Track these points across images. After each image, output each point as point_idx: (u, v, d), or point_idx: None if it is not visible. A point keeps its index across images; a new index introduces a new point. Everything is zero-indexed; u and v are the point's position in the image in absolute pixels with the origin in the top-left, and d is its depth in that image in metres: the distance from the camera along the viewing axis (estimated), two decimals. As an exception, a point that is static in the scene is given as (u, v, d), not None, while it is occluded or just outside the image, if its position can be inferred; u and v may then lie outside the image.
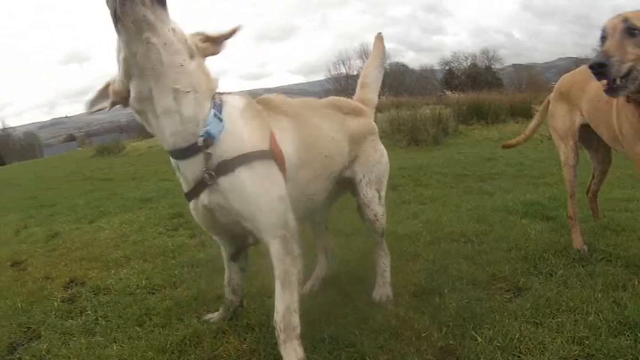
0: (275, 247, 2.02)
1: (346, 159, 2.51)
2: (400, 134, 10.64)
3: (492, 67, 49.68)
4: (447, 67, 51.19)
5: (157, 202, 6.81)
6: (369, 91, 2.83)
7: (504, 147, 3.64)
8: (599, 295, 2.39)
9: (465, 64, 50.24)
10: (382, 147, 2.76)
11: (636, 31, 2.04)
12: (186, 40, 1.88)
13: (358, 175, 2.60)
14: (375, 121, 2.83)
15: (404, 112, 12.26)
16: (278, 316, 2.03)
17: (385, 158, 2.74)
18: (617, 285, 2.53)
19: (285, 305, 2.02)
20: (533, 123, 3.57)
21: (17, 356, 2.67)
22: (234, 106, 2.02)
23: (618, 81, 2.06)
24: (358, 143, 2.58)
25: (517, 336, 2.11)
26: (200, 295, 3.02)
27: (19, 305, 3.43)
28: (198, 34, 1.99)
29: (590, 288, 2.50)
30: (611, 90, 2.11)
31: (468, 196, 4.87)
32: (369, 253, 3.01)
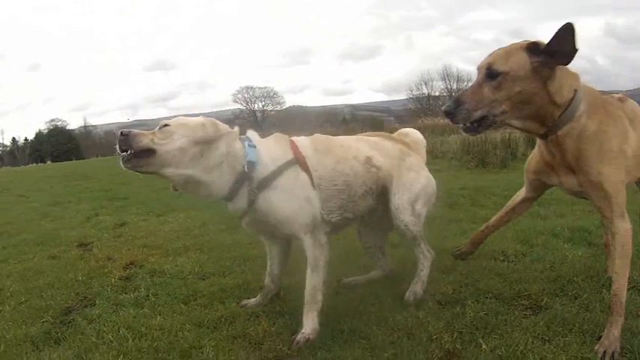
0: (306, 240, 2.74)
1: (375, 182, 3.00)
2: (469, 156, 11.33)
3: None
4: None
5: (223, 204, 7.51)
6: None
7: None
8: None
9: None
10: (424, 171, 3.24)
11: (497, 75, 2.20)
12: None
13: (392, 189, 3.07)
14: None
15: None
16: (306, 292, 2.72)
17: (424, 181, 3.17)
18: (638, 314, 2.67)
19: (312, 284, 2.73)
20: None
21: (71, 318, 3.24)
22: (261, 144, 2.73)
23: (468, 124, 2.26)
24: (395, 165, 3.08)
25: (521, 348, 2.34)
26: (244, 285, 3.51)
27: (80, 278, 4.09)
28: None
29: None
30: (466, 130, 2.32)
31: (521, 218, 5.02)
32: (408, 262, 3.50)
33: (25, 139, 67.03)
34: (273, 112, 66.65)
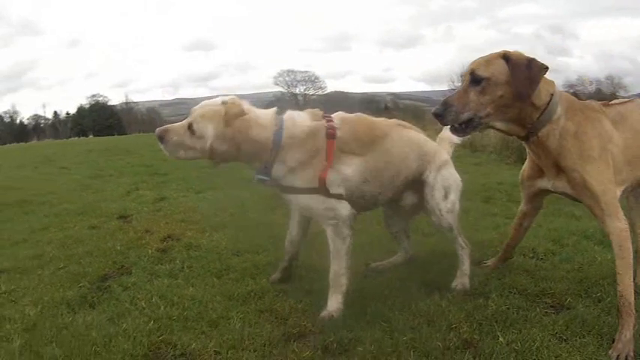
0: (329, 232, 2.95)
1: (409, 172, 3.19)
2: (508, 151, 11.19)
3: (617, 94, 46.80)
4: (572, 90, 53.29)
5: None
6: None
7: None
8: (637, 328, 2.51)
9: (589, 88, 52.15)
10: (453, 170, 3.36)
11: (480, 80, 2.44)
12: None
13: (426, 180, 3.24)
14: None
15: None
16: (330, 277, 2.95)
17: (455, 178, 3.33)
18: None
19: (335, 270, 2.94)
20: None
21: (107, 284, 3.48)
22: (291, 135, 2.87)
23: (457, 126, 2.51)
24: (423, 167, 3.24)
25: (537, 345, 2.44)
26: (275, 263, 3.63)
27: (118, 248, 4.34)
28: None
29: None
30: (454, 131, 2.56)
31: (554, 217, 5.15)
32: (438, 252, 3.75)
33: (67, 113, 69.55)
34: (314, 97, 66.75)
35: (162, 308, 2.99)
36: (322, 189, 2.86)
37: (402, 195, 3.34)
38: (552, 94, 2.57)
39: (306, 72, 68.89)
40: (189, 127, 2.79)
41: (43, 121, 70.80)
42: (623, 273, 2.51)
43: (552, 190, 2.81)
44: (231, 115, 2.78)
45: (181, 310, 2.97)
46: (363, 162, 3.00)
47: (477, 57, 2.57)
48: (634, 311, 2.48)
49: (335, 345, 2.54)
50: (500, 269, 3.53)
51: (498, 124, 2.59)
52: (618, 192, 2.69)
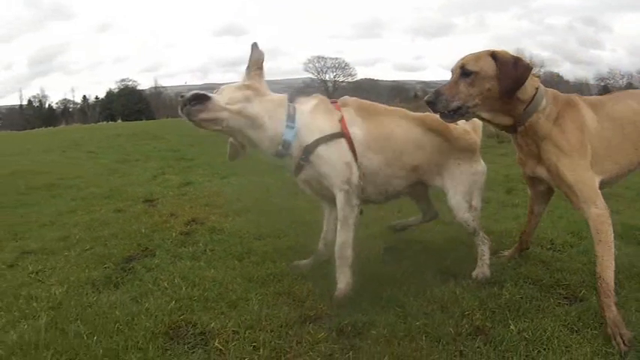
0: (339, 198, 3.07)
1: (423, 161, 3.30)
2: None
3: (649, 88, 46.05)
4: (603, 84, 53.88)
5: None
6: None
7: None
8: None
9: (620, 82, 53.05)
10: (478, 165, 3.42)
11: (470, 73, 2.71)
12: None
13: (445, 186, 3.35)
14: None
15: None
16: (337, 248, 3.09)
17: (479, 175, 3.40)
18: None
19: (342, 240, 3.07)
20: None
21: (131, 265, 3.63)
22: (303, 111, 3.13)
23: (446, 113, 2.76)
24: (443, 157, 3.33)
25: (548, 334, 2.51)
26: (296, 247, 3.80)
27: (143, 231, 4.49)
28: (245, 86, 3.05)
29: (642, 313, 2.74)
30: (443, 117, 2.82)
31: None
32: (456, 240, 3.87)
33: (96, 98, 70.57)
34: (344, 84, 66.47)
35: (183, 289, 3.11)
36: (347, 135, 3.09)
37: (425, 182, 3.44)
38: (537, 88, 2.83)
39: (336, 59, 68.40)
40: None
41: (71, 106, 71.88)
42: (601, 255, 2.69)
43: (536, 176, 3.01)
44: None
45: (202, 291, 3.09)
46: (367, 130, 3.19)
47: (468, 54, 2.83)
48: (613, 293, 2.63)
49: (349, 328, 2.64)
50: (516, 259, 3.59)
51: (485, 114, 2.85)
52: (597, 180, 2.87)
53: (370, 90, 56.95)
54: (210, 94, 2.91)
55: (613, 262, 2.69)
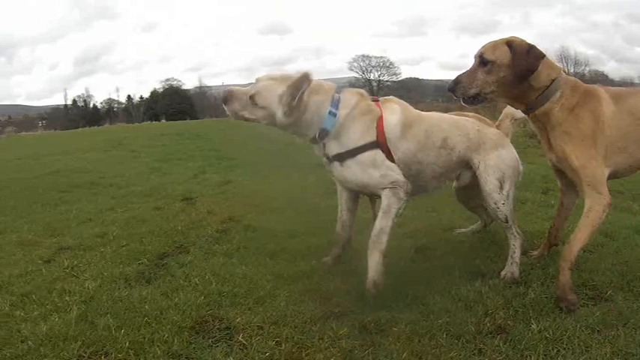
0: (385, 193, 3.15)
1: (456, 145, 3.39)
2: None
3: (697, 87, 43.64)
4: None
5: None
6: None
7: None
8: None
9: None
10: (507, 151, 3.52)
11: (487, 62, 2.95)
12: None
13: (480, 166, 3.41)
14: None
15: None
16: (373, 232, 3.11)
17: (510, 160, 3.48)
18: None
19: (380, 226, 3.11)
20: None
21: (165, 262, 3.75)
22: (347, 106, 3.19)
23: (466, 99, 3.02)
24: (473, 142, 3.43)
25: (568, 334, 2.54)
26: (329, 244, 3.83)
27: (179, 228, 4.63)
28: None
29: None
30: (464, 102, 3.07)
31: (611, 211, 5.00)
32: (487, 240, 3.95)
33: (141, 97, 72.09)
34: (389, 83, 66.62)
35: (213, 285, 3.21)
36: (382, 141, 3.17)
37: (459, 175, 3.54)
38: (554, 79, 3.03)
39: (381, 57, 68.41)
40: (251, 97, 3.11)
41: (116, 106, 73.85)
42: (582, 229, 2.98)
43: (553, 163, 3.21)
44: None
45: (232, 287, 3.17)
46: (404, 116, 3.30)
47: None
48: (572, 261, 2.98)
49: (372, 324, 2.70)
50: (545, 259, 3.61)
51: (501, 100, 3.19)
52: (606, 170, 3.06)
53: (415, 89, 56.71)
54: (235, 92, 3.18)
55: (586, 241, 3.02)
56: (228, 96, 3.19)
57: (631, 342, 2.48)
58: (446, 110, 3.83)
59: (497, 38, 3.03)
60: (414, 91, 52.87)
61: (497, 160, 3.41)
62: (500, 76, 2.98)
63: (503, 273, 3.32)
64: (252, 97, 3.09)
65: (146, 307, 2.92)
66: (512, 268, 3.34)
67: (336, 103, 3.17)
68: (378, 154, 3.15)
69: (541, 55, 2.96)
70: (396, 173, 3.14)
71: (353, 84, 60.39)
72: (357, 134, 3.16)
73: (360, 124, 3.19)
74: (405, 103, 3.43)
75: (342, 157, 3.17)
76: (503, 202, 3.36)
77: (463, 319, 2.72)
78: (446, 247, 3.93)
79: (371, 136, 3.17)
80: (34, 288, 3.36)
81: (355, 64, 67.54)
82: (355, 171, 3.16)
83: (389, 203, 3.11)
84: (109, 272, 3.55)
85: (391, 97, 3.45)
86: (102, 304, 3.01)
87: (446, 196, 4.02)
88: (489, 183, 3.37)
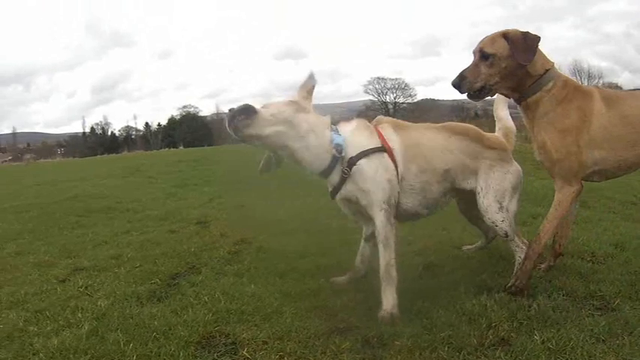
0: (379, 218, 3.18)
1: (453, 164, 3.44)
2: None
3: None
4: None
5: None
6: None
7: None
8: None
9: None
10: (510, 166, 3.55)
11: (488, 56, 3.15)
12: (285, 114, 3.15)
13: (477, 187, 3.48)
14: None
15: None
16: (381, 269, 3.14)
17: (511, 176, 3.51)
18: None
19: (386, 261, 3.13)
20: None
21: (176, 282, 3.84)
22: (347, 129, 3.31)
23: (472, 93, 3.22)
24: (472, 159, 3.48)
25: (572, 344, 2.55)
26: (338, 264, 3.93)
27: (192, 250, 4.72)
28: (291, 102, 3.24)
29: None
30: (470, 97, 3.27)
31: (623, 222, 5.34)
32: (495, 255, 4.03)
33: (158, 125, 72.94)
34: (404, 105, 67.05)
35: (222, 302, 3.28)
36: (388, 149, 3.27)
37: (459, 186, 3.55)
38: (548, 70, 3.23)
39: (396, 79, 69.04)
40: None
41: (134, 133, 74.93)
42: (550, 220, 3.24)
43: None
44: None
45: (240, 304, 3.24)
46: (401, 141, 3.38)
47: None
48: (539, 252, 3.24)
49: (375, 339, 2.75)
50: (552, 272, 3.65)
51: (504, 91, 3.33)
52: (587, 167, 3.25)
53: (430, 110, 56.70)
54: (257, 107, 3.09)
55: (554, 231, 3.33)
56: (250, 109, 3.10)
57: (636, 350, 2.50)
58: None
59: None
60: (430, 112, 52.82)
61: (499, 179, 3.49)
62: (502, 66, 3.16)
63: (509, 284, 3.33)
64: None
65: (155, 323, 3.00)
66: (517, 279, 3.33)
67: (336, 130, 3.30)
68: (385, 159, 3.25)
69: (537, 38, 3.17)
70: (394, 189, 3.25)
71: (369, 107, 60.72)
72: (365, 140, 3.28)
73: (365, 133, 3.33)
74: (403, 122, 3.60)
75: (352, 162, 3.20)
76: (502, 220, 3.41)
77: (466, 332, 2.75)
78: (454, 264, 3.98)
79: (377, 143, 3.29)
80: (48, 305, 3.47)
81: (370, 86, 68.28)
82: (362, 178, 3.20)
83: (385, 234, 3.17)
84: (121, 291, 3.64)
85: (386, 117, 3.64)
86: (113, 321, 3.09)
87: (457, 214, 4.06)
88: (485, 203, 3.45)
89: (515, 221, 3.54)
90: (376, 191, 3.20)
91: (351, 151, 3.21)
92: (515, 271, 3.39)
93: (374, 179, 3.20)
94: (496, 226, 3.43)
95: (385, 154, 3.26)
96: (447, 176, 3.43)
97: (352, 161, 3.20)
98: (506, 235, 3.43)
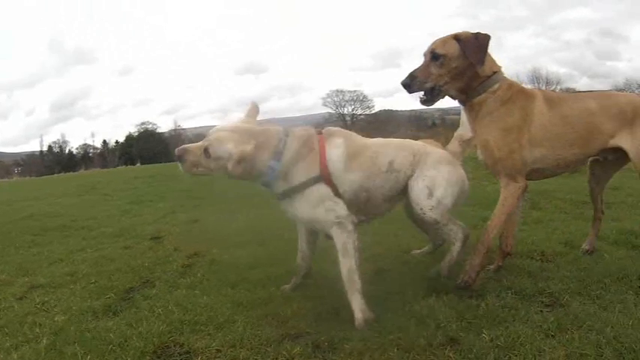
0: (334, 231, 3.22)
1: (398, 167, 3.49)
2: None
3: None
4: None
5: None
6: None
7: None
8: (631, 322, 2.77)
9: (637, 91, 51.26)
10: (450, 168, 3.60)
11: (439, 57, 3.24)
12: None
13: (410, 181, 3.52)
14: None
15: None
16: (343, 277, 3.17)
17: (448, 171, 3.57)
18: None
19: (346, 268, 3.16)
20: None
21: (131, 295, 3.91)
22: (290, 149, 3.27)
23: (422, 94, 3.33)
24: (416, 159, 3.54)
25: (520, 340, 2.65)
26: (288, 273, 4.00)
27: (146, 264, 4.78)
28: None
29: (626, 314, 2.89)
30: (421, 102, 3.37)
31: (574, 221, 5.54)
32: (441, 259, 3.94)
33: (116, 142, 71.63)
34: (362, 117, 67.30)
35: (176, 314, 3.37)
36: (325, 175, 3.26)
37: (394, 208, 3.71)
38: (495, 72, 3.35)
39: (355, 91, 69.01)
40: (205, 150, 3.17)
41: (91, 151, 73.43)
42: (498, 216, 3.37)
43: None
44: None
45: (193, 315, 3.34)
46: (345, 149, 3.39)
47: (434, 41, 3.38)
48: (488, 247, 3.36)
49: (326, 343, 2.85)
50: (501, 272, 3.77)
51: (452, 92, 3.38)
52: (528, 164, 3.38)
53: (388, 121, 57.24)
54: (189, 148, 3.24)
55: (501, 226, 3.42)
56: (182, 153, 3.23)
57: (586, 343, 2.59)
58: (415, 139, 4.09)
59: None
60: (388, 123, 53.35)
61: (434, 173, 3.51)
62: (452, 67, 3.26)
63: (440, 266, 3.59)
64: (205, 150, 3.16)
65: (111, 335, 3.09)
66: (444, 264, 3.62)
67: (279, 154, 3.26)
68: (322, 189, 3.25)
69: (487, 37, 3.27)
70: (339, 208, 3.24)
71: (327, 119, 60.88)
72: (300, 172, 3.25)
73: (303, 164, 3.28)
74: (350, 132, 3.59)
75: (288, 194, 3.28)
76: (430, 207, 3.45)
77: (415, 333, 2.86)
78: (403, 269, 4.12)
79: (314, 172, 3.26)
80: (6, 322, 3.53)
81: (329, 99, 68.11)
82: (302, 206, 3.27)
83: (343, 242, 3.19)
84: (77, 307, 3.71)
85: (336, 129, 3.56)
86: (70, 335, 3.17)
87: (406, 220, 4.15)
88: (415, 189, 3.48)
89: (451, 215, 3.61)
90: (320, 220, 3.27)
91: (289, 178, 3.27)
92: (447, 256, 3.63)
93: (311, 213, 3.27)
94: (424, 213, 3.47)
95: (322, 185, 3.27)
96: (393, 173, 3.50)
97: (285, 194, 3.30)
98: (436, 223, 3.50)
